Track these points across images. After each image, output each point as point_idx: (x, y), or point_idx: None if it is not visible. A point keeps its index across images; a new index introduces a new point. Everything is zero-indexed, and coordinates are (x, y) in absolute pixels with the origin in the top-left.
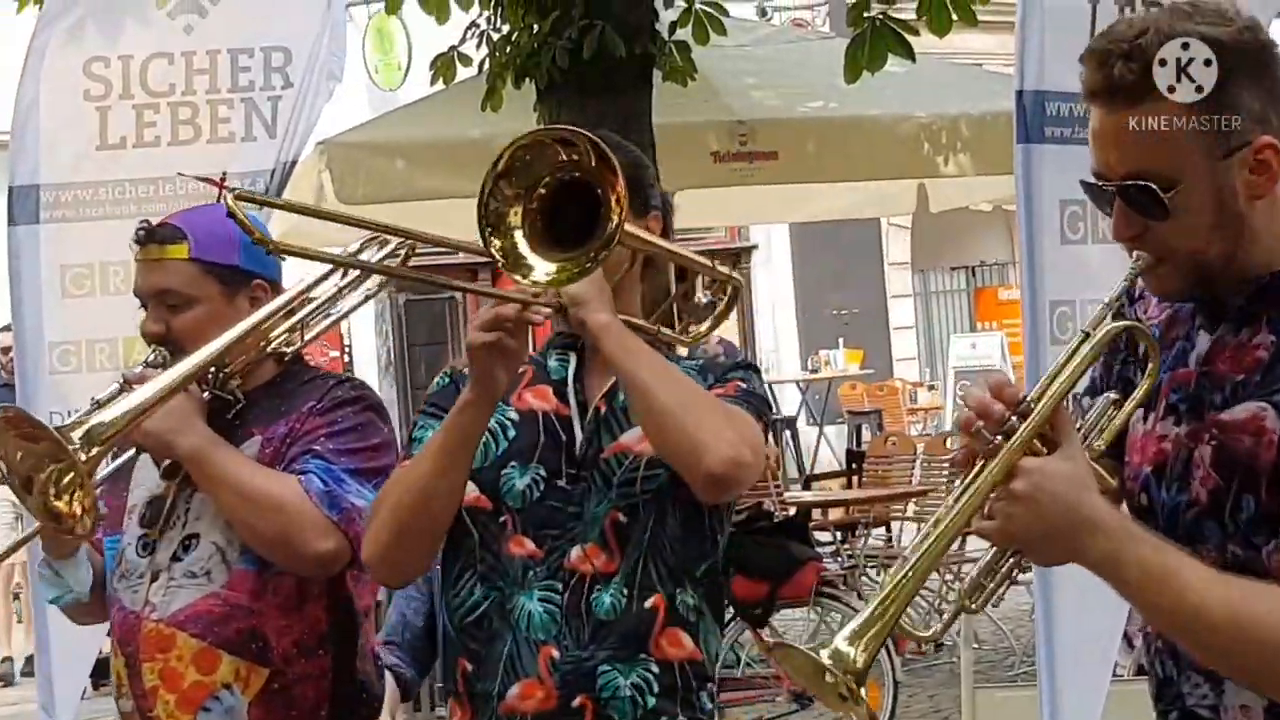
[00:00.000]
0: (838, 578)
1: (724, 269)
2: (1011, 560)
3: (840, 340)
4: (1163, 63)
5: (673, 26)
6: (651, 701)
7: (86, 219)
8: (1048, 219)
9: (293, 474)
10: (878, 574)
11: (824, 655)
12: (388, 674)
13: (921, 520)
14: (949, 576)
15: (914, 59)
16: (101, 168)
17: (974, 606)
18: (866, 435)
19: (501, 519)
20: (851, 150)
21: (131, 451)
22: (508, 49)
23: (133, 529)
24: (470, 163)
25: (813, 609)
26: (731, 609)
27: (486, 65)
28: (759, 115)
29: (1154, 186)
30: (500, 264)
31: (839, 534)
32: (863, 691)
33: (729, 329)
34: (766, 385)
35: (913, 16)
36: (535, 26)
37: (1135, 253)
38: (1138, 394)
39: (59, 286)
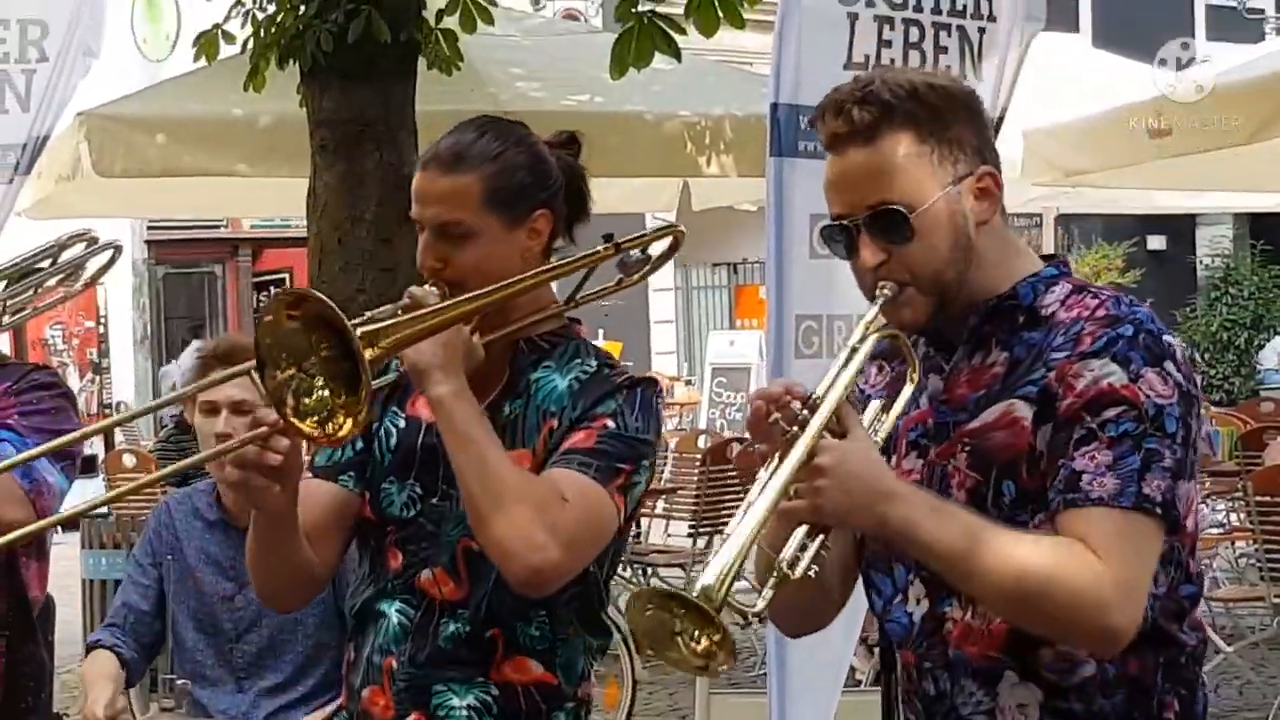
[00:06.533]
0: None
1: (641, 234)
2: (820, 536)
3: (600, 331)
4: (894, 104)
5: (440, 14)
6: None
7: None
8: (798, 232)
9: None
10: (623, 569)
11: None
12: (106, 654)
13: (670, 518)
14: (694, 575)
15: (680, 57)
16: None
17: (794, 574)
18: None
19: (385, 530)
20: (614, 146)
21: None
22: (272, 29)
23: None
24: (231, 141)
25: None
26: None
27: (250, 45)
28: (523, 107)
29: (901, 208)
30: (321, 436)
31: None
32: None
33: None
34: (657, 401)
35: (681, 14)
36: (300, 8)
37: (879, 285)
38: (903, 396)
39: None
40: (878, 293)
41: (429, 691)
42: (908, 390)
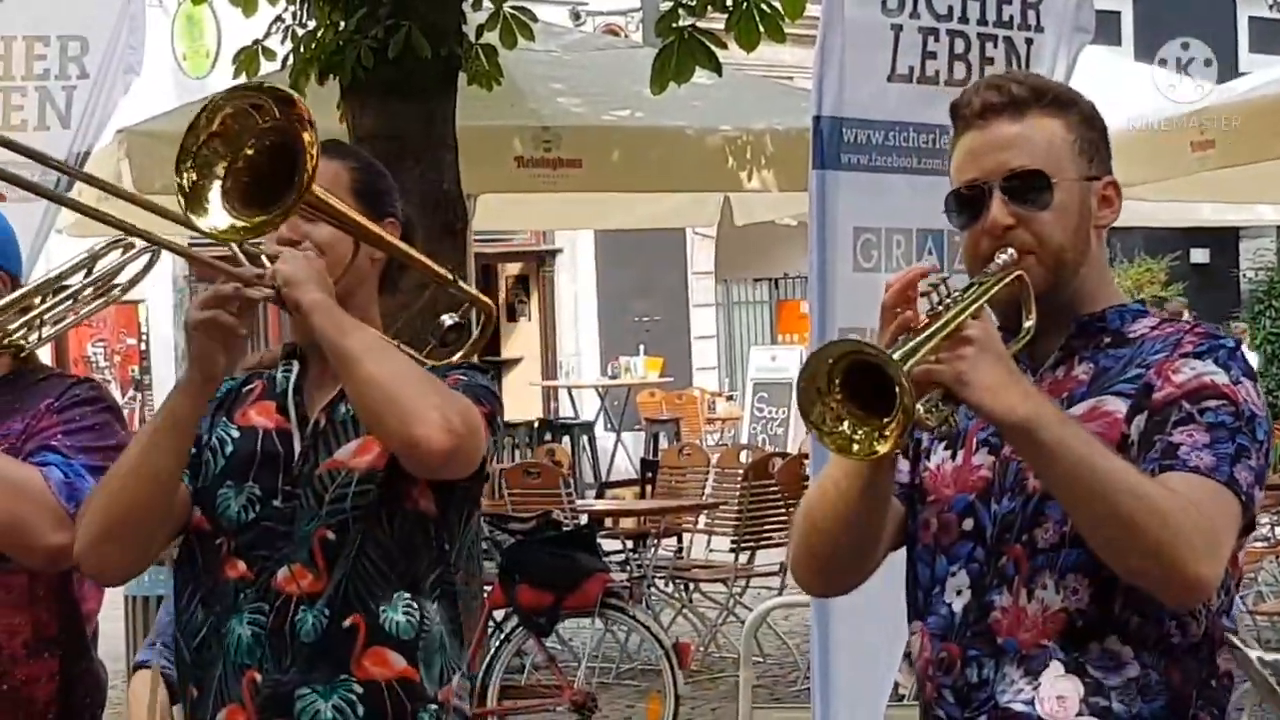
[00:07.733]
0: (623, 589)
1: (469, 288)
2: (952, 405)
3: (641, 347)
4: (1049, 91)
5: (480, 29)
6: None
7: None
8: (841, 245)
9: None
10: (665, 584)
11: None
12: (153, 675)
13: (712, 533)
14: (736, 590)
15: (720, 72)
16: None
17: (931, 422)
18: (664, 443)
19: (218, 541)
20: (655, 161)
21: None
22: (312, 45)
23: None
24: None
25: (598, 619)
26: (517, 617)
27: (291, 61)
28: (564, 121)
29: (1045, 172)
30: (182, 197)
31: (629, 543)
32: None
33: (531, 333)
34: (497, 389)
35: (722, 29)
36: (341, 24)
37: (999, 251)
38: (1021, 338)
39: None
40: (997, 257)
41: (292, 698)
42: (1029, 323)
